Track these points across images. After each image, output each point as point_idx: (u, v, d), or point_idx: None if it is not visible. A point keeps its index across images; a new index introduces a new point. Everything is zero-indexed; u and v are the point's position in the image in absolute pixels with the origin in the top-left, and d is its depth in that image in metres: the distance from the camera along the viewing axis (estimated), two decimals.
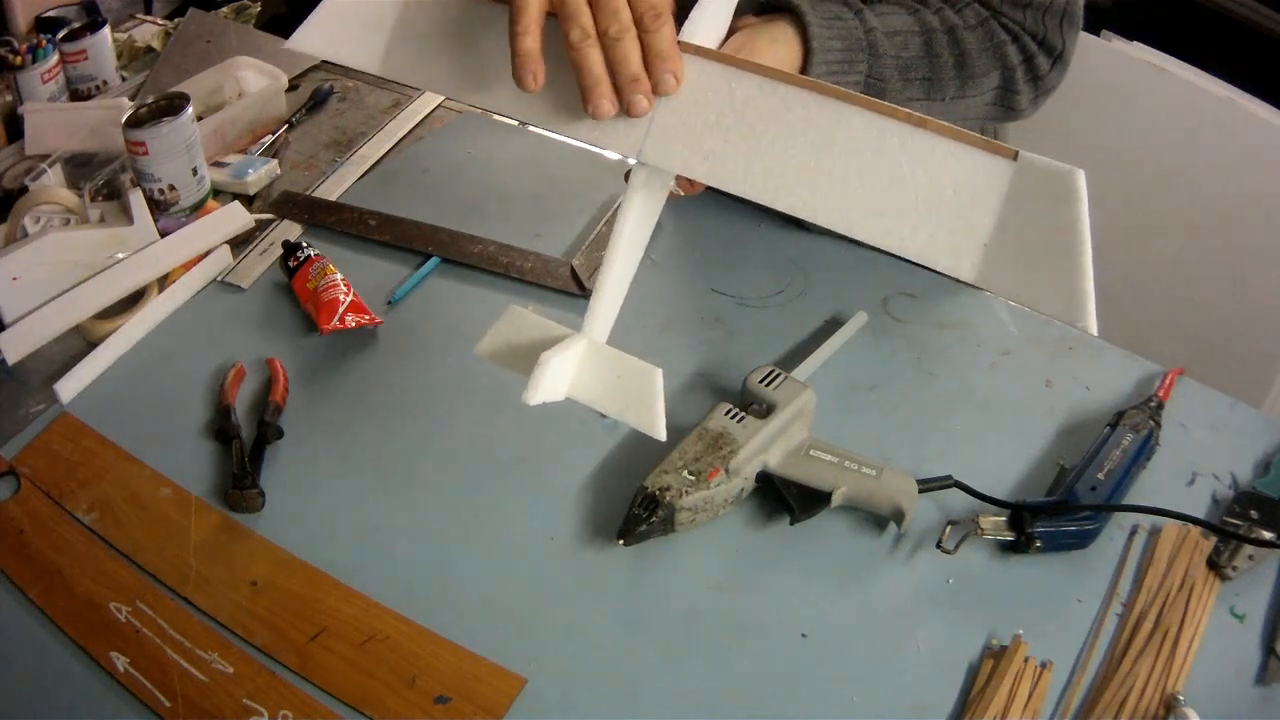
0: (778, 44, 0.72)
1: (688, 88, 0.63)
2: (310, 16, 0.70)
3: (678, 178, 0.65)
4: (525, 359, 0.61)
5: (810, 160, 0.61)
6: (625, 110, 0.61)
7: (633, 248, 0.64)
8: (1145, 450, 0.79)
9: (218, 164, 1.08)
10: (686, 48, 0.62)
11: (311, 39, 0.71)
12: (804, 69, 0.74)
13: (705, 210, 1.01)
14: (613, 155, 1.13)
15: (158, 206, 0.99)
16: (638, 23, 0.60)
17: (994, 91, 0.85)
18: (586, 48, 0.60)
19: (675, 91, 0.62)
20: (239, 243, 1.01)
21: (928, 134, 0.58)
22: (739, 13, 0.72)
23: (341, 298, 0.89)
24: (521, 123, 1.19)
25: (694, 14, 0.66)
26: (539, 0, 0.60)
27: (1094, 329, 0.58)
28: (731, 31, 0.72)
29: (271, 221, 1.03)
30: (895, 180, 0.60)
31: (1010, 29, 0.83)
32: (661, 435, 0.61)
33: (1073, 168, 0.57)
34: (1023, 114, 0.88)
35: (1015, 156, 0.58)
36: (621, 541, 0.73)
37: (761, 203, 0.63)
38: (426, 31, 0.69)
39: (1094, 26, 1.10)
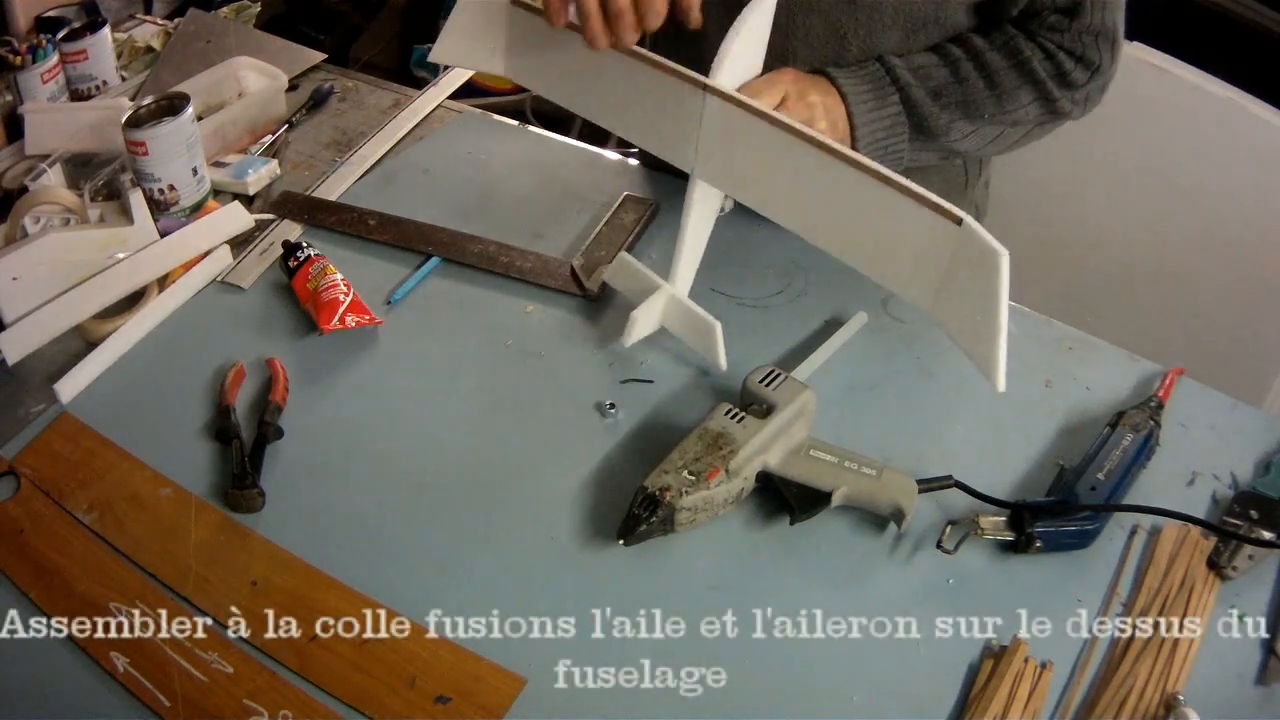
0: (827, 95, 0.84)
1: (725, 130, 0.78)
2: (441, 34, 0.90)
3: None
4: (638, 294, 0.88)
5: (812, 198, 0.77)
6: (617, 40, 0.75)
7: (696, 235, 0.87)
8: (1145, 450, 0.79)
9: (218, 164, 1.08)
10: (727, 97, 0.76)
11: (445, 53, 0.93)
12: (848, 112, 0.85)
13: None
14: (612, 156, 1.14)
15: (158, 206, 0.99)
16: None
17: (1035, 104, 0.89)
18: None
19: (658, 25, 0.75)
20: (239, 243, 1.01)
21: (894, 193, 0.70)
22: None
23: (341, 298, 0.89)
24: (522, 123, 1.19)
25: (723, 54, 0.78)
26: None
27: (1001, 387, 0.69)
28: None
29: (271, 221, 1.03)
30: (874, 223, 0.74)
31: (1045, 48, 0.87)
32: (723, 367, 0.85)
33: (1000, 249, 0.67)
34: (1073, 116, 0.92)
35: (959, 223, 0.68)
36: (621, 541, 0.73)
37: (773, 220, 0.80)
38: (527, 46, 0.87)
39: None
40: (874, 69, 0.87)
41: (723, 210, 0.89)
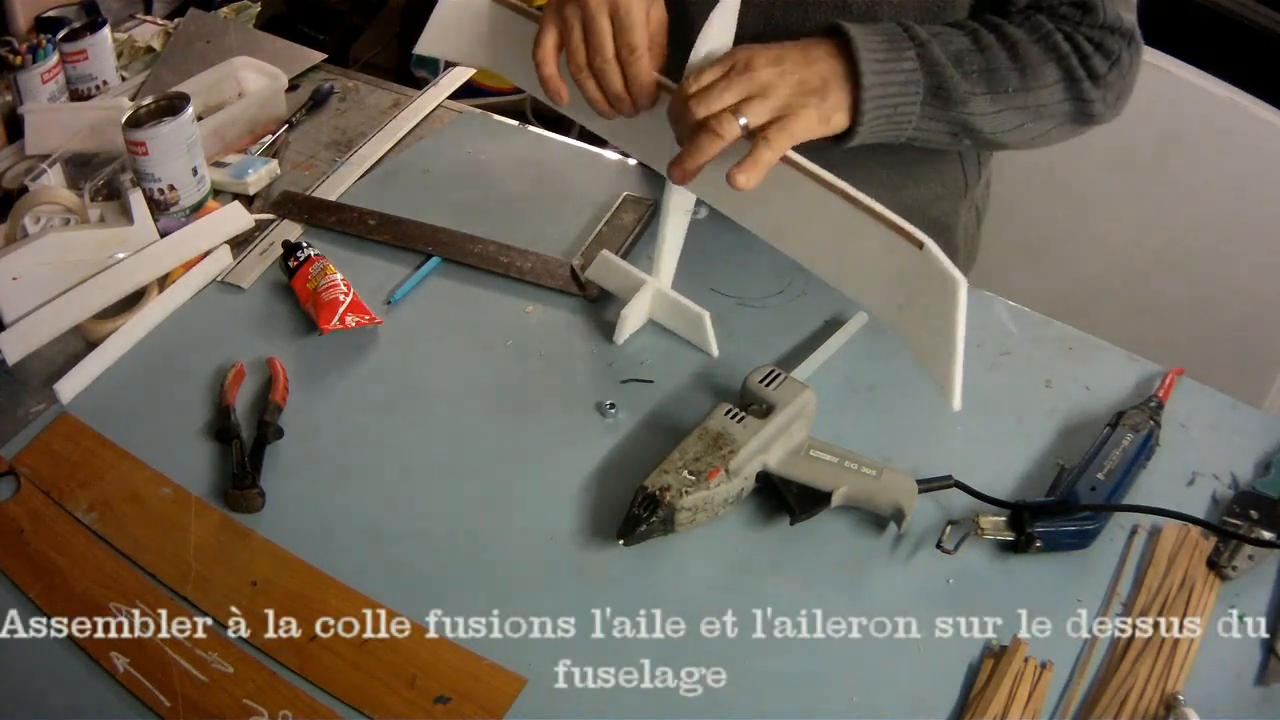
0: (833, 59, 0.77)
1: None
2: (426, 28, 0.93)
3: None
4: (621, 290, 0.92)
5: (779, 209, 0.78)
6: (620, 113, 0.80)
7: (676, 233, 0.89)
8: (1145, 450, 0.79)
9: (218, 164, 1.08)
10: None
11: (429, 45, 0.94)
12: (854, 67, 0.76)
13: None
14: (612, 156, 1.14)
15: (158, 206, 0.99)
16: (618, 56, 0.77)
17: (1060, 85, 0.83)
18: (582, 78, 0.79)
19: (649, 108, 0.79)
20: (239, 243, 1.01)
21: (857, 212, 0.71)
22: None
23: (341, 298, 0.89)
24: (522, 123, 1.19)
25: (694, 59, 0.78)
26: (553, 36, 0.79)
27: (957, 406, 0.70)
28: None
29: (271, 221, 1.03)
30: (838, 239, 0.75)
31: (1064, 30, 0.83)
32: (714, 353, 0.88)
33: (958, 277, 0.67)
34: (1098, 112, 0.86)
35: (921, 247, 0.69)
36: (621, 541, 0.73)
37: (745, 227, 0.81)
38: (507, 43, 0.87)
39: None
40: (886, 24, 0.79)
41: (696, 215, 0.90)
